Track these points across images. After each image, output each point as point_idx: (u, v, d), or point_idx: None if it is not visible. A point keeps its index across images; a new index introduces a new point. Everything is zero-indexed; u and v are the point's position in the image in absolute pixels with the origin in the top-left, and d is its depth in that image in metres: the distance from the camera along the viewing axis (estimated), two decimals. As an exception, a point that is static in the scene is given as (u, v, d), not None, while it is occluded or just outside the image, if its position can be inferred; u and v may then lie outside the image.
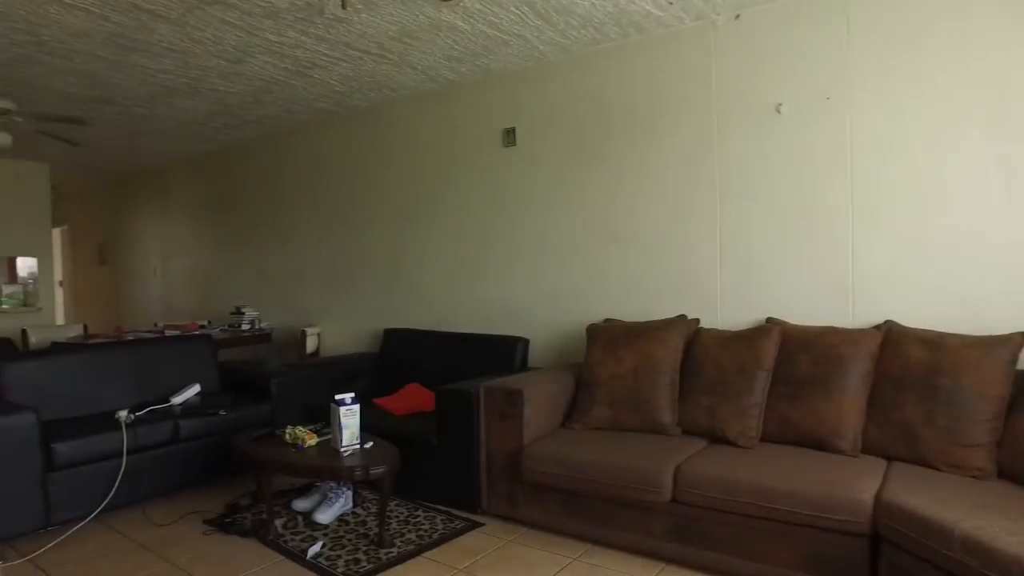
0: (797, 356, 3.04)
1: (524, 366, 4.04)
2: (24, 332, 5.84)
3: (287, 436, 3.20)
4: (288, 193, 6.01)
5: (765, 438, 2.99)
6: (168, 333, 5.27)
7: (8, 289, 7.60)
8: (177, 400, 3.85)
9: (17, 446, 2.99)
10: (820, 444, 2.83)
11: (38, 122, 5.05)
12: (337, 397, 3.05)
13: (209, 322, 6.27)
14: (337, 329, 5.55)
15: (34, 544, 3.10)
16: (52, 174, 7.75)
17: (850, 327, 3.10)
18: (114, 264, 8.84)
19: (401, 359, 4.62)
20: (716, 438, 3.05)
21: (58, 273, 8.07)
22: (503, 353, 4.04)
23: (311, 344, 5.34)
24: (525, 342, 4.08)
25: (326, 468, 2.89)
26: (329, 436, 3.18)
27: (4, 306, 7.47)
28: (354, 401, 3.06)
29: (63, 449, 3.14)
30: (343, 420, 3.02)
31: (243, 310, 5.88)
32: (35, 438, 3.05)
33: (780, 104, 3.34)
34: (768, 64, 3.37)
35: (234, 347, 5.60)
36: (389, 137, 5.08)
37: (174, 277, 7.66)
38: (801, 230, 3.31)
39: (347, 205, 5.43)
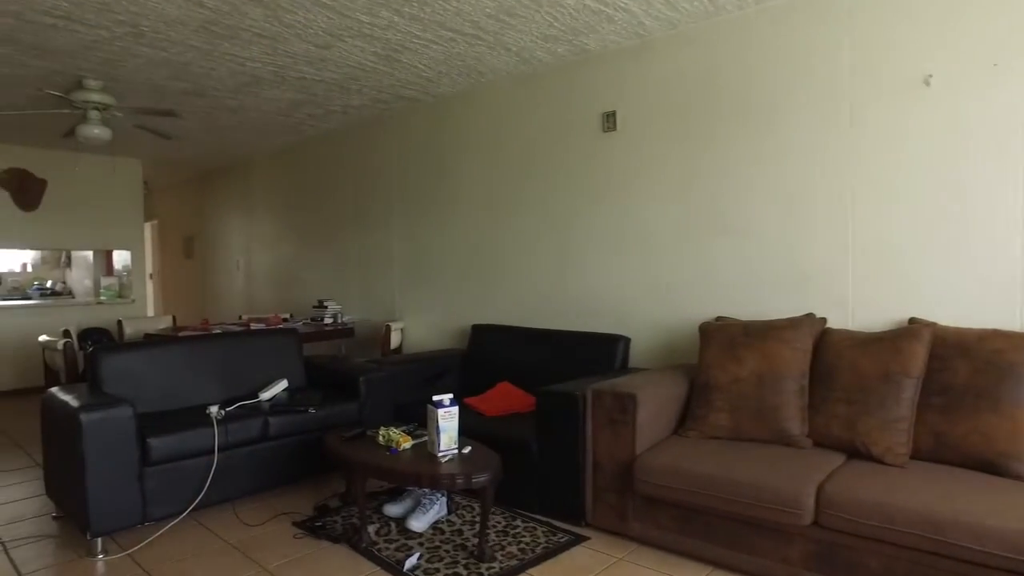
0: (953, 363, 2.65)
1: (625, 367, 3.76)
2: (120, 323, 5.95)
3: (380, 438, 3.03)
4: (371, 184, 5.91)
5: (915, 455, 2.63)
6: (253, 327, 5.24)
7: (105, 281, 7.84)
8: (265, 396, 3.76)
9: (116, 440, 2.93)
10: (989, 466, 2.44)
11: (135, 116, 5.10)
12: (435, 398, 2.86)
13: (291, 315, 6.25)
14: (421, 324, 5.41)
15: (132, 539, 3.05)
16: (143, 170, 7.95)
17: (1021, 330, 2.68)
18: (200, 257, 9.03)
19: (491, 357, 4.42)
20: (856, 453, 2.70)
21: (149, 266, 8.28)
22: (603, 352, 3.77)
23: (395, 339, 5.21)
24: (626, 341, 3.80)
25: (425, 475, 2.70)
26: (424, 439, 2.99)
27: (102, 297, 7.71)
28: (452, 403, 2.86)
29: (158, 444, 3.06)
30: (441, 423, 2.83)
31: (325, 303, 5.82)
32: (132, 432, 2.99)
33: (929, 75, 2.93)
34: (915, 29, 2.97)
35: (317, 341, 5.54)
36: (477, 124, 4.89)
37: (256, 270, 7.72)
38: (953, 219, 2.90)
39: (433, 196, 5.27)
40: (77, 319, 7.20)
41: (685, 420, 3.12)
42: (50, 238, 7.20)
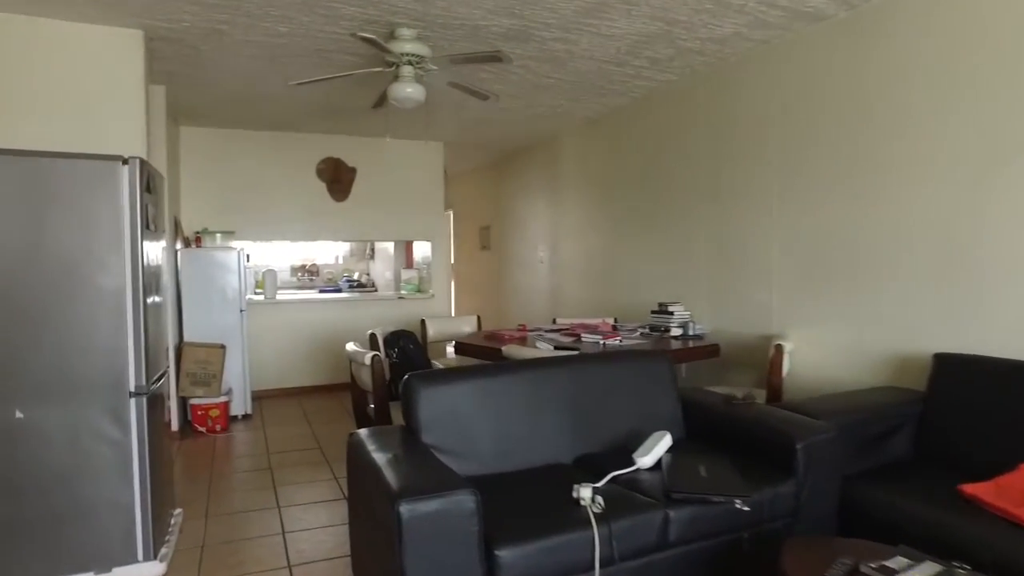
0: None
1: None
2: (423, 323, 5.21)
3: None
4: (734, 151, 4.34)
5: None
6: (588, 338, 4.01)
7: (406, 275, 7.40)
8: (645, 461, 2.41)
9: (450, 545, 1.77)
10: None
11: (452, 71, 4.17)
12: None
13: (616, 320, 4.96)
14: (814, 343, 3.72)
15: None
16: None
17: None
18: (496, 249, 8.31)
19: (982, 409, 2.59)
20: None
21: (450, 258, 7.76)
22: None
23: (785, 365, 3.59)
24: None
25: None
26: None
27: (402, 292, 7.28)
28: None
29: (510, 559, 1.84)
30: None
31: (670, 308, 4.40)
32: (474, 535, 1.81)
33: None
34: None
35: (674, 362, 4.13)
36: (943, 37, 3.04)
37: (564, 264, 6.64)
38: None
39: (850, 155, 3.52)
40: (380, 314, 6.78)
41: None
42: (357, 229, 6.88)
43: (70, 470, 2.54)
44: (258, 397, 6.10)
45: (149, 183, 2.76)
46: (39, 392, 2.48)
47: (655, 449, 2.45)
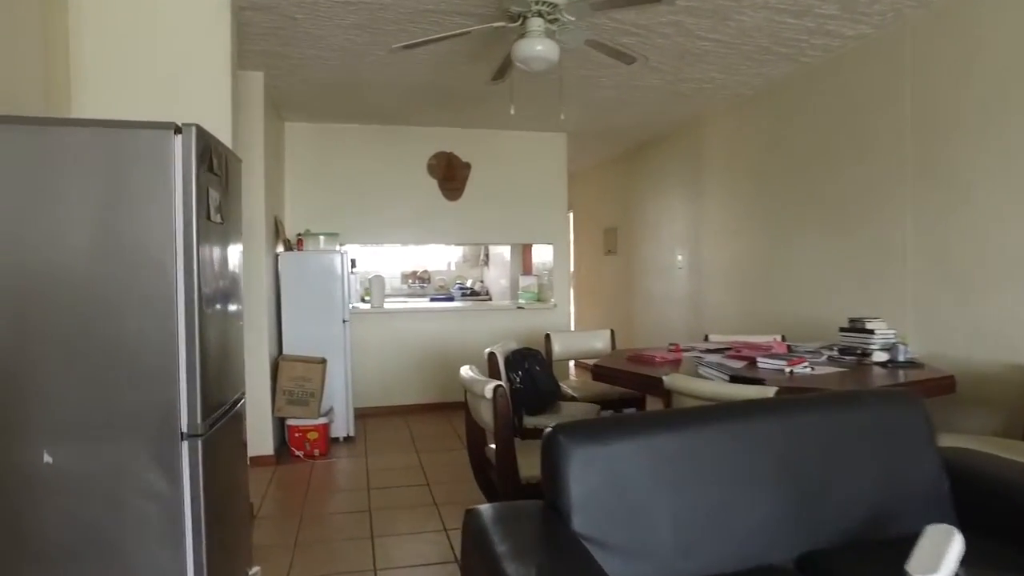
0: None
1: None
2: (548, 339, 4.44)
3: None
4: (955, 116, 3.26)
5: None
6: (765, 364, 3.07)
7: (524, 281, 6.67)
8: (932, 580, 1.48)
9: None
10: None
11: (591, 26, 3.38)
12: None
13: (783, 339, 3.96)
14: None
15: None
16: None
17: None
18: (624, 253, 7.42)
19: None
20: None
21: (572, 264, 6.95)
22: None
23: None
24: None
25: None
26: None
27: (520, 301, 6.56)
28: None
29: None
30: None
31: (867, 324, 3.36)
32: None
33: None
34: None
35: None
36: None
37: (706, 269, 5.67)
38: None
39: None
40: (495, 326, 6.09)
41: None
42: (471, 232, 6.22)
43: (106, 531, 1.94)
44: (361, 415, 5.55)
45: (213, 162, 2.14)
46: (69, 431, 1.90)
47: (944, 561, 1.51)
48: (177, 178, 1.95)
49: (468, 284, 8.53)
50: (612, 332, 4.67)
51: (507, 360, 3.42)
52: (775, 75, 4.51)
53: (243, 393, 2.61)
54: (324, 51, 3.97)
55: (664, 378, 2.57)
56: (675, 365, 3.26)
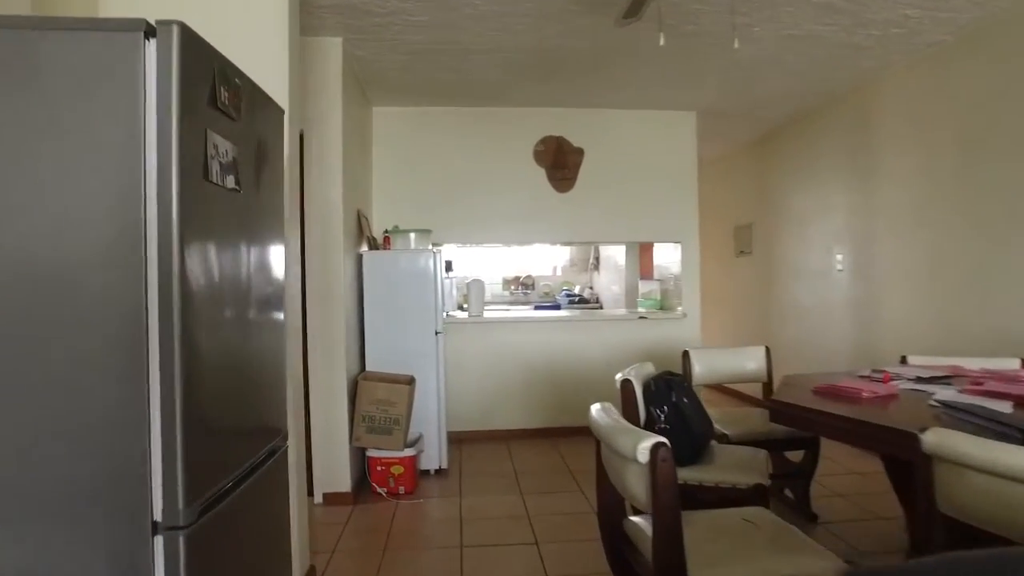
0: None
1: None
2: (686, 358, 3.50)
3: None
4: None
5: None
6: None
7: (644, 287, 5.72)
8: None
9: None
10: None
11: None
12: None
13: (1027, 365, 2.83)
14: None
15: None
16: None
17: None
18: (761, 254, 6.31)
19: None
20: None
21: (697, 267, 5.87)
22: None
23: None
24: None
25: None
26: None
27: (640, 309, 5.62)
28: None
29: None
30: None
31: None
32: None
33: None
34: None
35: None
36: None
37: (881, 271, 4.51)
38: None
39: None
40: (611, 338, 5.18)
41: None
42: (584, 228, 5.33)
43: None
44: (456, 439, 4.80)
45: (220, 93, 1.39)
46: (-15, 513, 1.20)
47: None
48: (148, 111, 1.21)
49: (575, 290, 7.66)
50: (767, 351, 3.66)
51: (647, 390, 2.52)
52: (999, 6, 3.36)
53: (284, 438, 1.86)
54: (410, 0, 3.24)
55: (924, 437, 1.58)
56: (890, 402, 2.26)
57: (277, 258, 1.80)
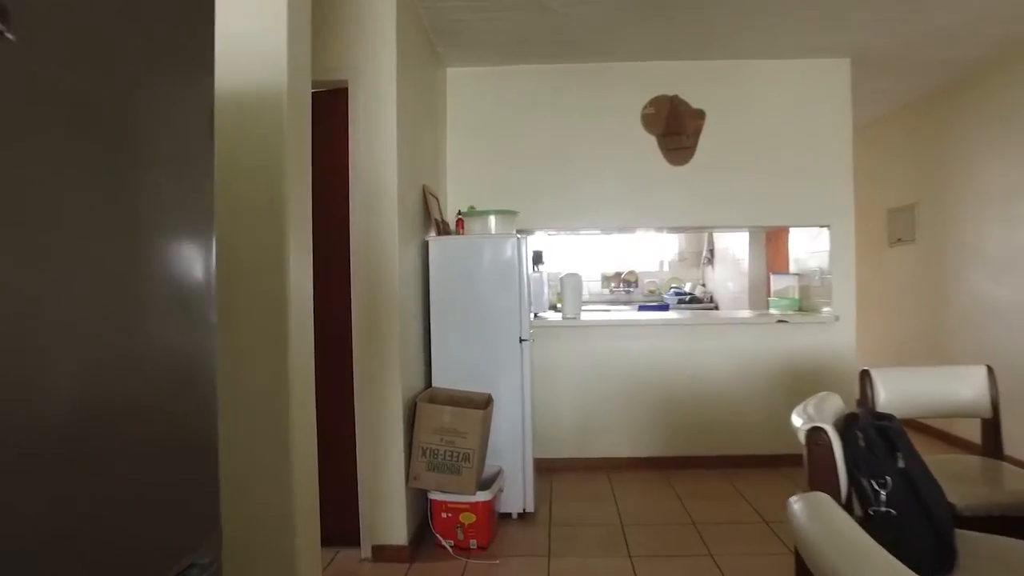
0: None
1: None
2: (865, 376, 2.46)
3: None
4: None
5: None
6: None
7: (779, 282, 4.61)
8: None
9: None
10: None
11: None
12: None
13: None
14: None
15: None
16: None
17: None
18: (928, 242, 5.03)
19: None
20: None
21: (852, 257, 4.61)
22: None
23: None
24: None
25: None
26: None
27: (772, 310, 4.53)
28: None
29: None
30: None
31: None
32: None
33: None
34: None
35: None
36: None
37: None
38: None
39: None
40: (737, 346, 4.14)
41: None
42: (703, 210, 4.30)
43: None
44: (546, 468, 3.91)
45: None
46: None
47: None
48: None
49: (685, 288, 6.61)
50: (990, 372, 2.54)
51: (850, 445, 1.52)
52: None
53: (216, 544, 1.02)
54: None
55: None
56: None
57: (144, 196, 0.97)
